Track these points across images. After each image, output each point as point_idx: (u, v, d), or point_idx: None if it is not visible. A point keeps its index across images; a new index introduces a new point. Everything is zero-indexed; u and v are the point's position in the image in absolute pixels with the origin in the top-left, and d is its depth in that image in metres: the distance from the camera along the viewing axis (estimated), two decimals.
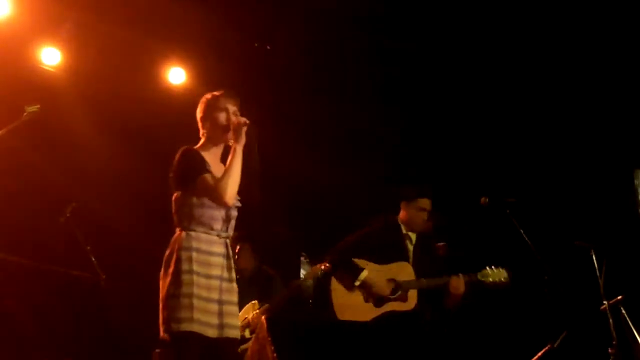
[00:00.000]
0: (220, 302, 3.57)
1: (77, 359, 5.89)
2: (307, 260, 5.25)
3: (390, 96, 6.89)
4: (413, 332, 5.07)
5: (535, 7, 6.21)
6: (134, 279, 6.18)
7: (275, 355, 5.09)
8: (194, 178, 3.61)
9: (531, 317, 5.95)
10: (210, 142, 3.78)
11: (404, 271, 5.12)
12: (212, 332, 3.52)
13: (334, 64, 6.83)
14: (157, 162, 6.06)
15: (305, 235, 6.44)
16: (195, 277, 3.52)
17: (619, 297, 4.97)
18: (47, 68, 6.19)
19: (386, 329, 5.03)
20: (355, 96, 6.96)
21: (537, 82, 6.57)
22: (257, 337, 5.31)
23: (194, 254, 3.56)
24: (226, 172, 3.62)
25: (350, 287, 5.07)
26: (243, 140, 3.67)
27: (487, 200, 5.05)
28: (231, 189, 3.60)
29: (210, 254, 3.60)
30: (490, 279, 5.10)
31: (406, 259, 5.20)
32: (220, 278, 3.61)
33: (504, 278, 5.10)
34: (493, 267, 5.12)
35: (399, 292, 5.08)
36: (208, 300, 3.53)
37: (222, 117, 3.75)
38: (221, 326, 3.55)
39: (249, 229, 5.25)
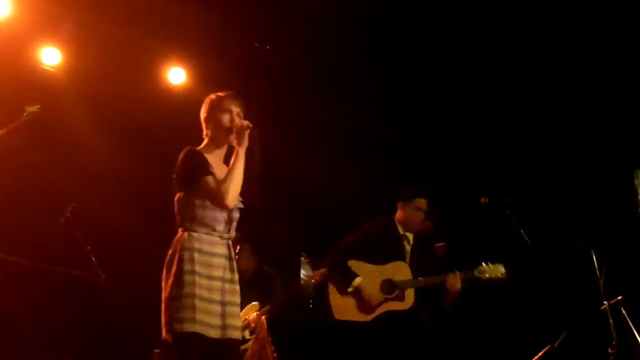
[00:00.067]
0: (223, 304, 3.58)
1: (77, 359, 5.89)
2: (307, 260, 5.25)
3: (390, 96, 6.89)
4: (412, 332, 5.08)
5: (535, 7, 6.21)
6: (134, 279, 6.18)
7: (275, 355, 5.10)
8: (196, 179, 3.61)
9: (531, 317, 5.95)
10: (214, 143, 3.77)
11: (401, 271, 5.14)
12: (214, 333, 3.52)
13: (334, 64, 6.83)
14: (157, 162, 6.09)
15: (305, 235, 6.43)
16: (197, 278, 3.52)
17: (619, 298, 4.97)
18: (47, 68, 6.19)
19: (385, 328, 5.04)
20: (355, 96, 6.96)
21: (537, 82, 6.57)
22: (257, 337, 5.31)
23: (196, 255, 3.56)
24: (228, 175, 3.61)
25: (344, 292, 5.11)
26: (246, 143, 3.67)
27: (487, 200, 5.05)
28: (233, 193, 3.59)
29: (213, 255, 3.60)
30: (487, 275, 5.11)
31: (403, 259, 5.22)
32: (222, 279, 3.61)
33: (501, 274, 5.12)
34: (489, 263, 5.14)
35: (396, 292, 5.09)
36: (210, 301, 3.53)
37: (225, 118, 3.74)
38: (224, 327, 3.56)
39: (249, 230, 5.25)
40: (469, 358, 6.03)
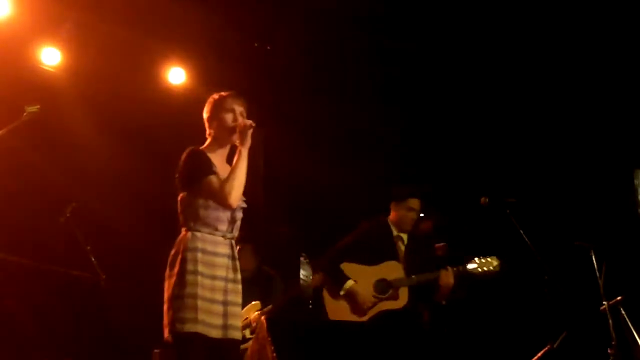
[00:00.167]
0: (225, 303, 3.58)
1: (77, 359, 5.89)
2: (307, 260, 5.25)
3: (390, 96, 6.89)
4: (408, 330, 5.10)
5: (535, 7, 6.21)
6: (134, 279, 6.19)
7: (275, 355, 5.10)
8: (199, 179, 3.61)
9: (531, 317, 5.95)
10: (217, 142, 3.77)
11: (394, 270, 5.17)
12: (215, 333, 3.53)
13: (334, 64, 6.83)
14: (157, 162, 6.10)
15: (305, 235, 6.44)
16: (200, 278, 3.52)
17: (619, 298, 4.97)
18: (47, 68, 6.18)
19: (382, 328, 5.06)
20: (355, 96, 6.96)
21: (537, 82, 6.57)
22: (257, 337, 5.31)
23: (199, 255, 3.56)
24: (231, 174, 3.61)
25: (336, 295, 5.14)
26: (249, 142, 3.67)
27: (487, 200, 5.06)
28: (236, 192, 3.60)
29: (216, 254, 3.61)
30: (479, 269, 5.13)
31: (397, 260, 5.23)
32: (225, 279, 3.61)
33: (493, 267, 5.12)
34: (482, 257, 5.15)
35: (390, 291, 5.11)
36: (212, 301, 3.54)
37: (228, 117, 3.74)
38: (225, 327, 3.56)
39: (250, 230, 5.26)
40: (468, 358, 6.04)
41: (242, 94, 3.87)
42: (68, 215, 5.34)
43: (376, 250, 5.23)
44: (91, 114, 6.43)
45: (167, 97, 6.64)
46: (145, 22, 6.17)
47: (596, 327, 5.15)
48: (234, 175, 3.60)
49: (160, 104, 6.57)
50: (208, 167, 3.63)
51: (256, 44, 6.72)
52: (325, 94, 6.83)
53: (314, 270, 5.26)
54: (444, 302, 5.18)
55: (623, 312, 4.97)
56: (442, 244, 5.67)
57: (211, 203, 3.61)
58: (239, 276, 3.69)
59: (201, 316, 3.48)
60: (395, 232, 5.33)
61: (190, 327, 3.47)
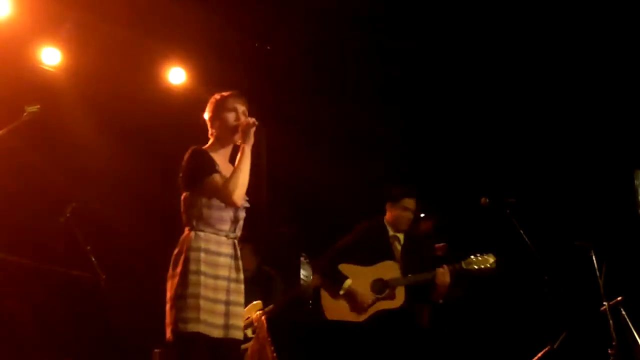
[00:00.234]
0: (227, 303, 3.58)
1: (77, 359, 5.89)
2: (307, 260, 5.26)
3: (390, 96, 6.89)
4: (405, 330, 5.12)
5: (535, 7, 6.20)
6: (134, 279, 6.19)
7: (275, 355, 5.10)
8: (202, 178, 3.61)
9: (531, 317, 5.95)
10: (219, 142, 3.77)
11: (391, 269, 5.19)
12: (217, 333, 3.53)
13: (334, 64, 6.83)
14: (157, 162, 6.11)
15: (305, 235, 6.44)
16: (202, 278, 3.52)
17: (619, 298, 4.97)
18: (47, 68, 6.18)
19: (380, 328, 5.07)
20: (355, 96, 6.96)
21: (537, 82, 6.57)
22: (257, 337, 5.31)
23: (202, 255, 3.56)
24: (234, 172, 3.61)
25: (335, 295, 5.15)
26: (251, 141, 3.67)
27: (487, 200, 5.06)
28: (239, 190, 3.60)
29: (219, 254, 3.61)
30: (475, 267, 5.14)
31: (393, 260, 5.24)
32: (228, 279, 3.62)
33: (490, 264, 5.12)
34: (478, 254, 5.15)
35: (387, 291, 5.12)
36: (215, 301, 3.54)
37: (231, 117, 3.75)
38: (227, 327, 3.56)
39: (251, 230, 5.26)
40: (468, 358, 6.04)
41: (242, 94, 3.87)
42: (68, 215, 5.34)
43: (372, 250, 5.25)
44: (91, 114, 6.43)
45: (167, 97, 6.64)
46: (145, 22, 6.17)
47: (596, 328, 5.15)
48: (238, 174, 3.60)
49: (160, 104, 6.57)
50: (211, 166, 3.63)
51: (256, 44, 6.72)
52: (325, 94, 6.83)
53: (314, 271, 5.27)
54: (440, 301, 5.19)
55: (623, 312, 4.97)
56: (442, 244, 5.67)
57: (214, 203, 3.61)
58: (241, 276, 3.69)
59: (203, 316, 3.48)
60: (391, 232, 5.35)
61: (192, 327, 3.47)
